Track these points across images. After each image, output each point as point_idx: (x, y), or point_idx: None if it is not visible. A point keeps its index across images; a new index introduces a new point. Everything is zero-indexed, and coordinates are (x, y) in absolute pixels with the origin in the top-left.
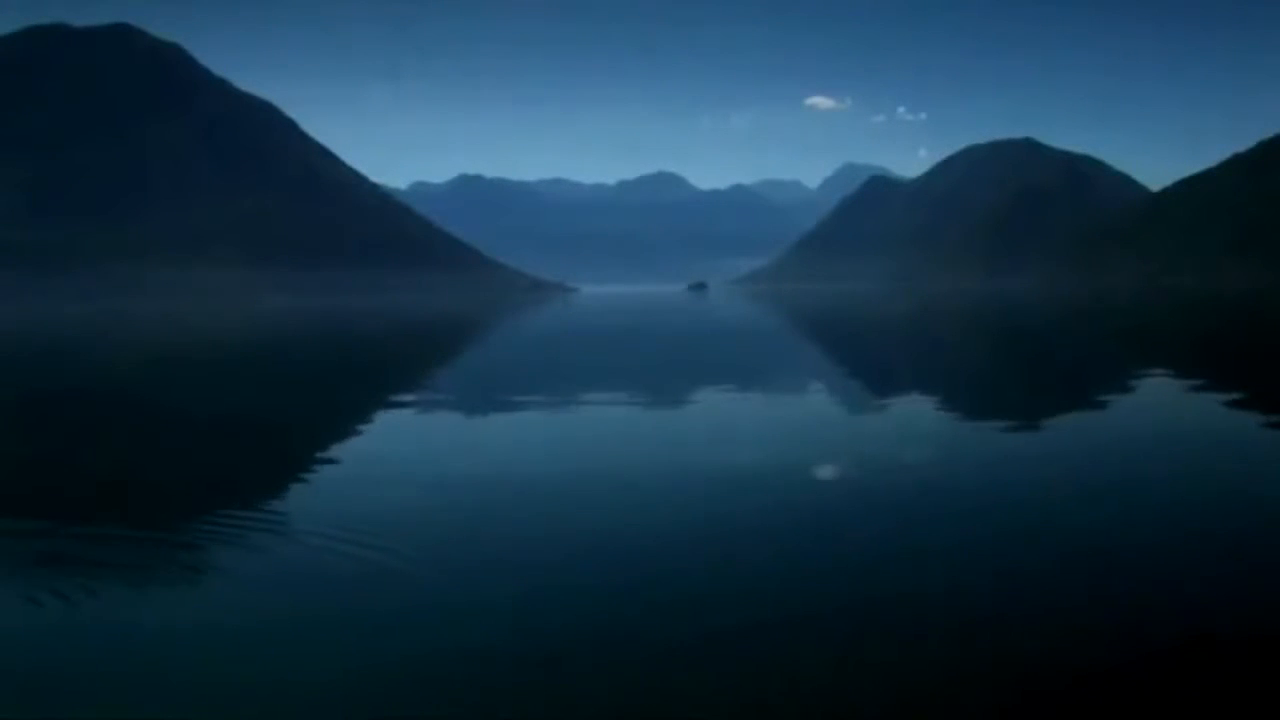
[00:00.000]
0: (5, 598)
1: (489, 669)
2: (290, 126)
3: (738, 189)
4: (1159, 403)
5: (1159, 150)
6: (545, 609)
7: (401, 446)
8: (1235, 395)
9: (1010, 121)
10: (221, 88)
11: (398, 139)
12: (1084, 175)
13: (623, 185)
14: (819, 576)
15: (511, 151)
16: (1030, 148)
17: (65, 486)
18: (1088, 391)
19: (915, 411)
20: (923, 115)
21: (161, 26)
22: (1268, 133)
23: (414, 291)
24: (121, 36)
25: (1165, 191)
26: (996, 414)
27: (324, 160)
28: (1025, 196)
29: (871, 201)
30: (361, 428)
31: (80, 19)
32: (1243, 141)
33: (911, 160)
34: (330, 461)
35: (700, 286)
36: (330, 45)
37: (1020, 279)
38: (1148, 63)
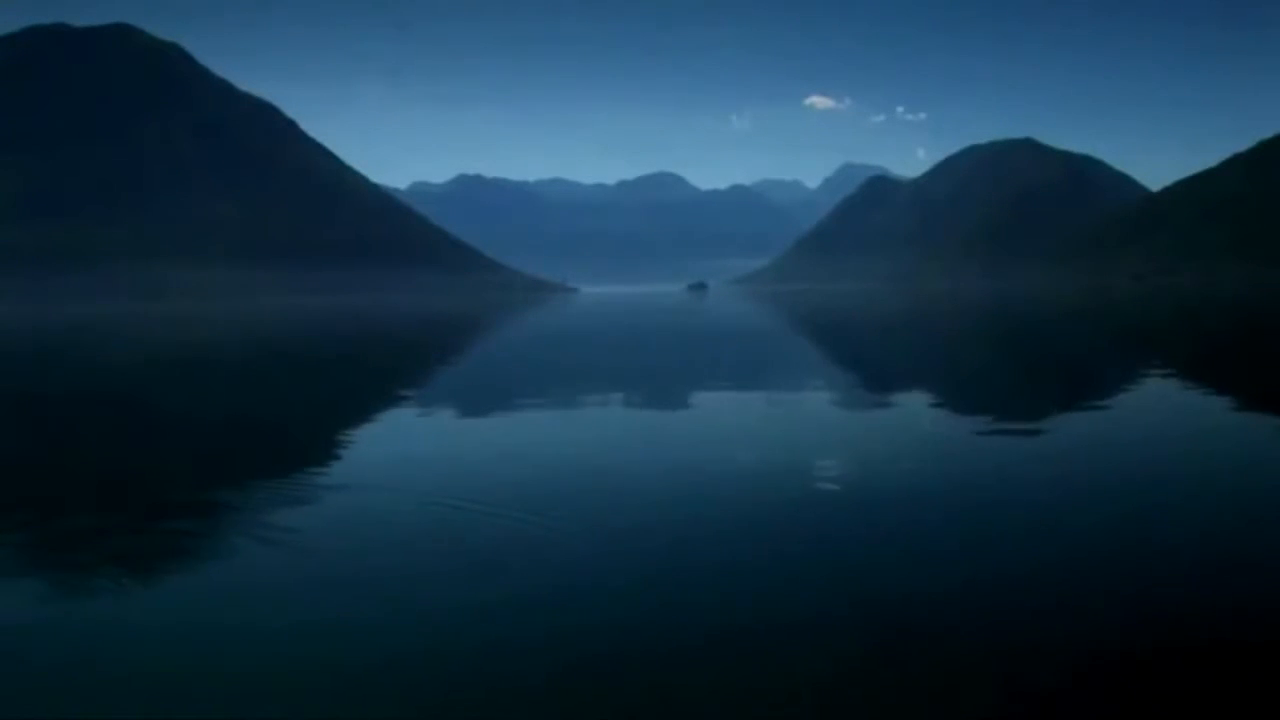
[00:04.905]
0: (7, 596)
1: (492, 666)
2: (290, 126)
3: (737, 189)
4: (1159, 402)
5: (1159, 150)
6: (545, 610)
7: (403, 450)
8: (1235, 394)
9: (1010, 121)
10: (221, 88)
11: (398, 139)
12: (1084, 175)
13: (623, 185)
14: (821, 577)
15: (511, 151)
16: (1030, 148)
17: (95, 484)
18: (1087, 391)
19: (915, 412)
20: (922, 115)
21: (161, 26)
22: (1268, 133)
23: (413, 291)
24: (121, 36)
25: (1165, 191)
26: (996, 414)
27: (324, 160)
28: (1025, 196)
29: (871, 201)
30: (355, 434)
31: (80, 19)
32: (1243, 141)
33: (911, 160)
34: (330, 463)
35: (700, 287)
36: (330, 45)
37: (1020, 279)
38: (1148, 63)
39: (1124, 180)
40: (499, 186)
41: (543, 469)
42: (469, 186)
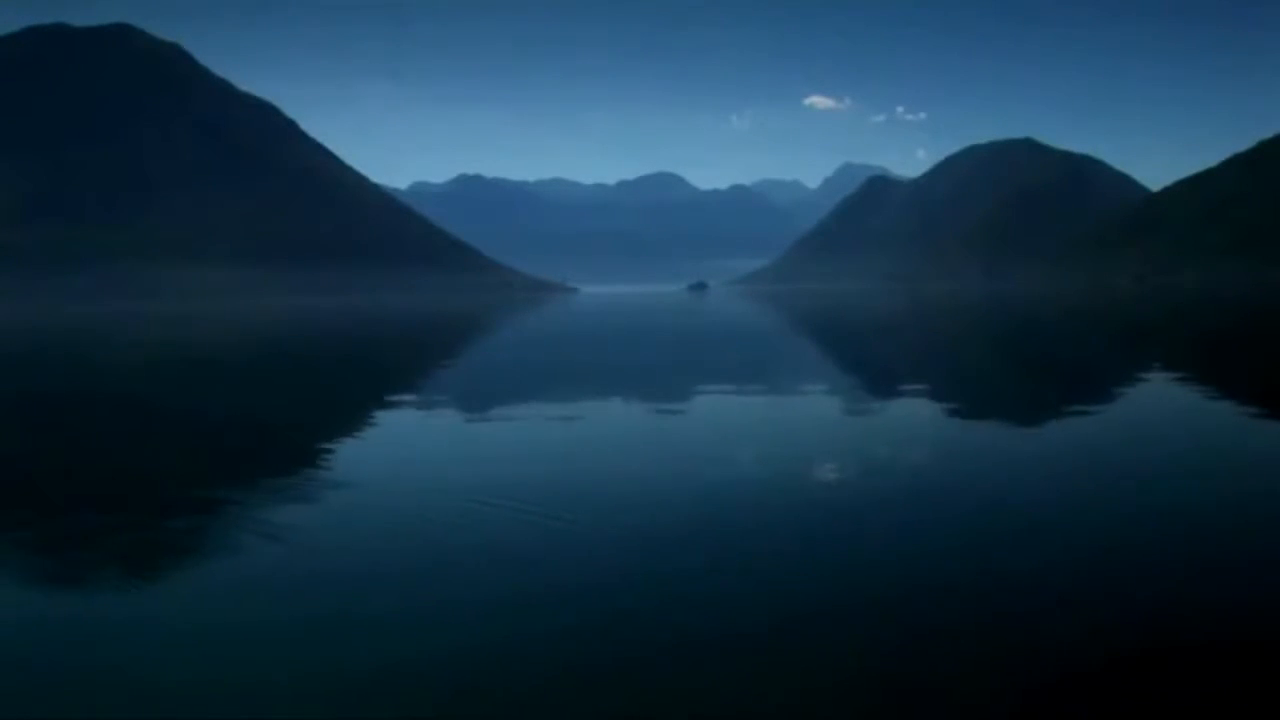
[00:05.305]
0: (9, 595)
1: (501, 662)
2: (290, 126)
3: (738, 189)
4: (1161, 403)
5: (1159, 150)
6: (553, 606)
7: (405, 449)
8: (1237, 396)
9: (1010, 121)
10: (221, 88)
11: (398, 139)
12: (1084, 175)
13: (623, 185)
14: (827, 575)
15: (511, 151)
16: (1030, 148)
17: (106, 484)
18: (1087, 391)
19: (916, 413)
20: (922, 115)
21: (161, 26)
22: (1268, 133)
23: (413, 291)
24: (121, 36)
25: (1165, 191)
26: (997, 415)
27: (324, 160)
28: (1025, 196)
29: (871, 201)
30: (359, 434)
31: (80, 19)
32: (1243, 141)
33: (911, 160)
34: (333, 462)
35: (700, 286)
36: (330, 45)
37: (1020, 279)
38: (1148, 63)
39: (1124, 180)
40: (499, 186)
41: (549, 467)
42: (469, 186)
